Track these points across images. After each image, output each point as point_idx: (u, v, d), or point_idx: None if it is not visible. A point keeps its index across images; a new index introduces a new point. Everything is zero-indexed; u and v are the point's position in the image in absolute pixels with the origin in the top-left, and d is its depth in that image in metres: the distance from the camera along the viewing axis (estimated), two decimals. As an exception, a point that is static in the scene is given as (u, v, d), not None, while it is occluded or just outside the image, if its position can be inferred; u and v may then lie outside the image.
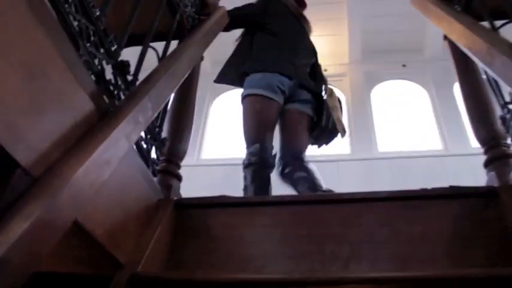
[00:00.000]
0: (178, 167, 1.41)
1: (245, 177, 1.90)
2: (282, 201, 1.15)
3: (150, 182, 1.13)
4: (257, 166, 1.84)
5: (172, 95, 1.51)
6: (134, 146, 1.13)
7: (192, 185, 3.24)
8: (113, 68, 1.01)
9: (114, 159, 0.80)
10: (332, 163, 3.58)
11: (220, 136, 4.16)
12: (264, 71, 1.92)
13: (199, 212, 1.17)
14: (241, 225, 1.11)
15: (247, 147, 1.89)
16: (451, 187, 1.14)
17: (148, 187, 1.10)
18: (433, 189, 1.13)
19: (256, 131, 1.88)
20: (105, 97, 0.88)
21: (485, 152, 1.35)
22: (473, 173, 3.36)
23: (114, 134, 0.80)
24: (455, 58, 1.57)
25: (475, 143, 3.60)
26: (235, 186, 3.37)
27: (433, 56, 4.19)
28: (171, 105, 1.48)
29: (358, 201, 1.12)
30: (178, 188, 1.38)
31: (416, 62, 4.25)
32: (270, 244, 1.07)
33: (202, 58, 1.68)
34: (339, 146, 3.80)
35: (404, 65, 4.25)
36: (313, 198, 1.13)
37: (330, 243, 1.04)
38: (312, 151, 3.75)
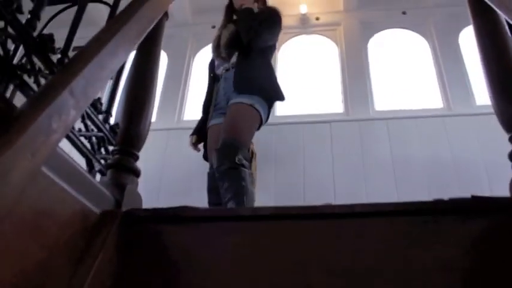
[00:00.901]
0: (135, 157, 1.16)
1: (244, 178, 1.90)
2: (263, 215, 0.91)
3: (88, 190, 0.88)
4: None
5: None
6: (69, 143, 0.87)
7: (173, 151, 3.00)
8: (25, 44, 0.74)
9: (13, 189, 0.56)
10: (324, 124, 3.34)
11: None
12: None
13: (155, 228, 0.93)
14: (207, 248, 0.88)
15: (243, 148, 1.97)
16: (473, 198, 0.90)
17: (84, 199, 0.86)
18: (451, 201, 0.89)
19: (250, 140, 2.17)
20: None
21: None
22: (478, 135, 3.20)
23: (5, 160, 0.55)
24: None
25: (480, 101, 3.39)
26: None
27: (436, 1, 3.85)
28: (126, 80, 1.21)
29: (358, 216, 0.88)
30: (135, 187, 1.13)
31: (417, 9, 3.91)
32: (243, 275, 0.84)
33: (166, 16, 1.38)
34: (332, 104, 3.55)
35: (404, 12, 3.91)
36: (303, 212, 0.89)
37: (318, 273, 0.82)
38: (302, 110, 3.52)
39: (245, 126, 2.05)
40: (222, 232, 0.89)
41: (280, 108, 3.60)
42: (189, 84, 3.90)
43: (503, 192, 2.65)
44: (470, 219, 0.85)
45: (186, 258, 0.88)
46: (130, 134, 1.16)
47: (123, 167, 1.12)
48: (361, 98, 3.49)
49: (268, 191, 3.10)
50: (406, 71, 3.69)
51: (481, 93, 3.41)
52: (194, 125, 2.49)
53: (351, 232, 0.86)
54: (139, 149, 1.18)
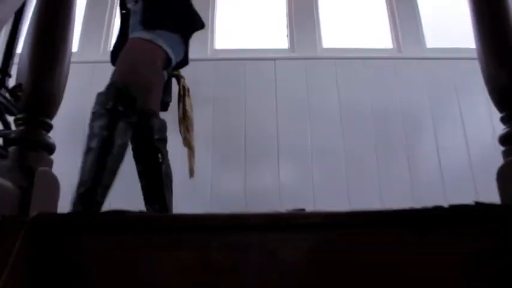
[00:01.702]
0: (47, 127, 0.88)
1: (96, 127, 1.53)
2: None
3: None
4: None
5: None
6: None
7: (98, 88, 2.62)
8: None
9: None
10: (268, 61, 3.10)
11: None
12: None
13: (73, 239, 0.69)
14: (136, 265, 0.66)
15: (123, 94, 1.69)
16: (477, 204, 0.73)
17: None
18: (452, 208, 0.72)
19: (139, 82, 1.78)
20: None
21: (505, 121, 0.97)
22: (427, 78, 3.12)
23: None
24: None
25: (430, 43, 3.29)
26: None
27: None
28: (30, 22, 0.90)
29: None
30: (49, 168, 0.86)
31: None
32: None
33: None
34: (276, 39, 3.30)
35: None
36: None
37: None
38: (243, 44, 3.24)
39: (132, 64, 1.66)
40: (161, 245, 0.67)
41: (219, 42, 3.30)
42: (116, 10, 3.44)
43: (446, 139, 2.59)
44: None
45: (112, 277, 0.66)
46: (40, 95, 0.88)
47: (31, 143, 0.84)
48: (308, 33, 3.26)
49: (206, 133, 2.88)
50: (356, 6, 3.48)
51: (431, 36, 3.31)
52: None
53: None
54: (52, 115, 0.90)
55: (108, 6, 3.41)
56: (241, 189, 2.78)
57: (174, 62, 1.78)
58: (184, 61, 1.91)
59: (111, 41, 3.32)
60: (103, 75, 2.84)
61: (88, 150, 1.42)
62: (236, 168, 2.84)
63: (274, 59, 3.11)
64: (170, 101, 2.05)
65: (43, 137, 0.86)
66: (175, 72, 2.18)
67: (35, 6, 0.89)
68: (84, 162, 1.40)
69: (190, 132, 2.43)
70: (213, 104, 2.97)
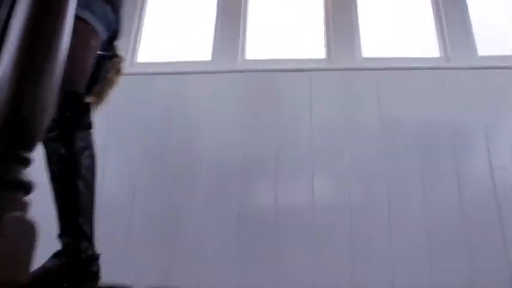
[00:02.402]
0: (25, 162, 0.70)
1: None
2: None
3: None
4: None
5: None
6: None
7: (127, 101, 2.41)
8: None
9: None
10: (303, 73, 2.89)
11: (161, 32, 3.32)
12: None
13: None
14: None
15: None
16: None
17: None
18: None
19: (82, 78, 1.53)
20: None
21: None
22: (478, 89, 2.83)
23: None
24: None
25: (482, 50, 3.01)
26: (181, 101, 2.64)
27: None
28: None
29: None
30: (24, 212, 0.68)
31: None
32: None
33: None
34: (312, 48, 3.09)
35: None
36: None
37: None
38: (277, 54, 3.04)
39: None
40: None
41: (251, 52, 3.12)
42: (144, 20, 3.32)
43: (501, 158, 2.29)
44: None
45: None
46: (17, 121, 0.69)
47: (2, 183, 0.66)
48: (346, 41, 3.04)
49: (234, 152, 2.69)
50: (398, 11, 3.23)
51: (483, 43, 3.03)
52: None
53: None
54: (31, 147, 0.71)
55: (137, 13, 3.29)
56: (271, 206, 2.58)
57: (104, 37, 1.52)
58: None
59: (137, 53, 3.19)
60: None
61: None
62: (266, 185, 2.64)
63: (309, 70, 2.90)
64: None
65: (18, 175, 0.68)
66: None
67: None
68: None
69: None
70: (242, 118, 2.79)
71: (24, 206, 0.68)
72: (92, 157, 1.38)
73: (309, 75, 2.88)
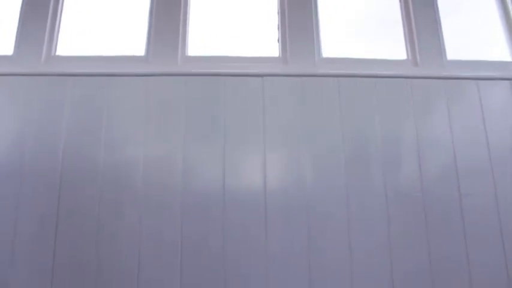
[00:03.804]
0: None
1: None
2: None
3: None
4: None
5: None
6: None
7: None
8: None
9: None
10: (255, 77, 2.51)
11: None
12: None
13: None
14: None
15: None
16: None
17: None
18: None
19: None
20: None
21: None
22: (449, 104, 2.59)
23: None
24: None
25: (452, 54, 2.74)
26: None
27: None
28: None
29: None
30: None
31: None
32: None
33: None
34: (265, 45, 2.71)
35: None
36: None
37: None
38: (225, 50, 2.64)
39: None
40: None
41: (193, 47, 2.69)
42: (64, 2, 2.76)
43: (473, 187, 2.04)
44: None
45: None
46: None
47: None
48: (304, 38, 2.67)
49: (175, 166, 2.31)
50: (364, 10, 2.88)
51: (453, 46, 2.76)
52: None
53: None
54: None
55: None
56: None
57: None
58: None
59: (55, 44, 2.67)
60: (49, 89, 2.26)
61: None
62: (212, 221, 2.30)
63: (262, 75, 2.51)
64: None
65: None
66: None
67: None
68: None
69: None
70: (185, 128, 2.39)
71: None
72: None
73: (261, 80, 2.50)
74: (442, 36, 2.75)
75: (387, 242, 2.28)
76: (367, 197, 2.33)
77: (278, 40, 2.73)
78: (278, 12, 2.80)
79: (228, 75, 2.49)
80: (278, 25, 2.77)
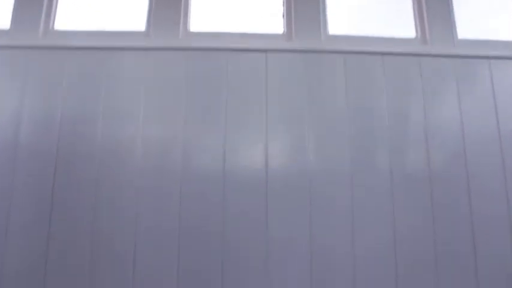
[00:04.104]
0: None
1: None
2: None
3: None
4: None
5: None
6: None
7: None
8: None
9: None
10: (258, 53, 2.43)
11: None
12: None
13: None
14: None
15: None
16: None
17: None
18: None
19: None
20: None
21: None
22: (458, 85, 2.50)
23: None
24: None
25: (463, 33, 2.65)
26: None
27: None
28: None
29: None
30: None
31: None
32: None
33: None
34: (269, 22, 2.62)
35: None
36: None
37: None
38: (227, 26, 2.56)
39: None
40: None
41: (195, 23, 2.61)
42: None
43: (485, 200, 1.96)
44: None
45: None
46: None
47: None
48: (310, 14, 2.58)
49: (175, 148, 2.25)
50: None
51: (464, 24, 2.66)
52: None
53: None
54: None
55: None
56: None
57: None
58: None
59: (53, 17, 2.59)
60: (43, 63, 2.20)
61: None
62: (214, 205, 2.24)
63: (265, 50, 2.44)
64: None
65: None
66: None
67: None
68: None
69: None
70: (185, 106, 2.32)
71: None
72: None
73: (264, 55, 2.43)
74: (453, 13, 2.66)
75: (392, 227, 2.22)
76: (372, 180, 2.26)
77: (283, 15, 2.65)
78: (283, -11, 2.71)
79: (230, 49, 2.42)
80: (283, 1, 2.68)
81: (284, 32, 2.60)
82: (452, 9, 2.66)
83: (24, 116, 2.26)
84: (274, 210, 2.20)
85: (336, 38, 2.58)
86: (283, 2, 2.67)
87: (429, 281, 2.16)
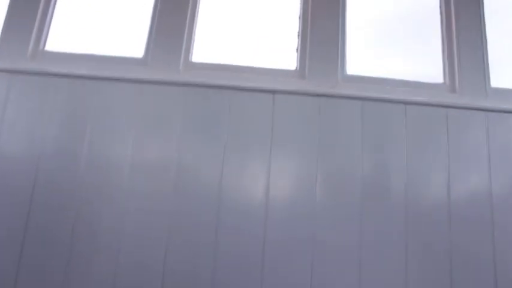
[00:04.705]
0: None
1: None
2: None
3: None
4: None
5: None
6: None
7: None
8: None
9: None
10: (265, 94, 2.19)
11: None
12: None
13: None
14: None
15: None
16: None
17: None
18: None
19: None
20: None
21: None
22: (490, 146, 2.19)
23: None
24: None
25: (496, 81, 2.35)
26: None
27: None
28: None
29: None
30: None
31: None
32: None
33: None
34: (279, 54, 2.38)
35: None
36: None
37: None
38: (228, 55, 2.32)
39: None
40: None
41: (198, 52, 2.37)
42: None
43: None
44: None
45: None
46: None
47: None
48: (327, 50, 2.33)
49: (166, 199, 2.01)
50: (398, 19, 2.52)
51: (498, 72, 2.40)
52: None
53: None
54: None
55: None
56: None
57: None
58: None
59: (45, 38, 2.37)
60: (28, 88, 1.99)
61: None
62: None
63: (273, 92, 2.19)
64: None
65: None
66: None
67: None
68: None
69: None
70: (178, 148, 2.09)
71: None
72: None
73: (272, 97, 2.18)
74: (487, 58, 2.38)
75: (404, 280, 1.96)
76: (384, 245, 2.00)
77: (297, 50, 2.40)
78: (300, 17, 2.46)
79: (234, 88, 2.17)
80: (299, 32, 2.43)
81: (297, 68, 2.35)
82: (486, 52, 2.39)
83: (2, 146, 2.05)
84: (271, 258, 1.95)
85: (354, 78, 2.33)
86: (299, 34, 2.42)
87: None
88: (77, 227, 1.96)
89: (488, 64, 2.37)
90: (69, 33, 2.39)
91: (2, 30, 2.28)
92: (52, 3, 2.43)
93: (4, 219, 1.96)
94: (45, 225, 1.96)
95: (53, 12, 2.43)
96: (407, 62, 2.41)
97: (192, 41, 2.37)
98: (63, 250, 1.94)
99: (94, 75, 2.16)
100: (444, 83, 2.37)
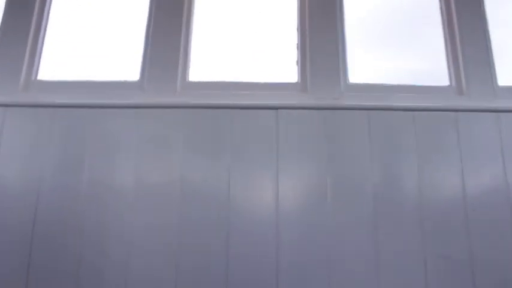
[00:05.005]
0: None
1: None
2: None
3: None
4: None
5: None
6: None
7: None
8: None
9: None
10: (268, 111, 2.12)
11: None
12: None
13: None
14: None
15: None
16: None
17: None
18: None
19: None
20: None
21: None
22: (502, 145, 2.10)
23: None
24: None
25: (503, 79, 2.23)
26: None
27: None
28: None
29: None
30: None
31: None
32: None
33: None
34: (279, 68, 2.32)
35: None
36: None
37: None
38: (227, 72, 2.24)
39: None
40: None
41: (195, 71, 2.31)
42: (48, 20, 2.38)
43: None
44: None
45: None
46: None
47: None
48: (327, 60, 2.26)
49: (171, 229, 1.94)
50: (400, 24, 2.46)
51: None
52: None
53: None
54: None
55: (35, 13, 2.38)
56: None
57: None
58: None
59: (37, 68, 2.31)
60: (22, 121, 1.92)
61: None
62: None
63: (276, 108, 2.12)
64: None
65: None
66: None
67: None
68: None
69: None
70: (180, 173, 2.01)
71: None
72: None
73: (275, 113, 2.11)
74: (492, 56, 2.31)
75: None
76: (399, 261, 1.92)
77: (297, 62, 2.33)
78: (297, 29, 2.40)
79: (235, 107, 2.10)
80: (297, 44, 2.36)
81: (298, 81, 2.28)
82: (490, 50, 2.32)
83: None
84: (286, 279, 1.88)
85: (358, 87, 2.26)
86: (298, 46, 2.36)
87: None
88: (83, 264, 1.89)
89: (493, 62, 2.30)
90: (61, 60, 2.33)
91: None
92: (42, 31, 2.36)
93: (5, 260, 1.89)
94: (47, 263, 1.89)
95: (43, 40, 2.36)
96: (409, 62, 2.34)
97: (188, 60, 2.31)
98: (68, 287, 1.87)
99: (90, 103, 2.10)
100: (450, 85, 2.30)
